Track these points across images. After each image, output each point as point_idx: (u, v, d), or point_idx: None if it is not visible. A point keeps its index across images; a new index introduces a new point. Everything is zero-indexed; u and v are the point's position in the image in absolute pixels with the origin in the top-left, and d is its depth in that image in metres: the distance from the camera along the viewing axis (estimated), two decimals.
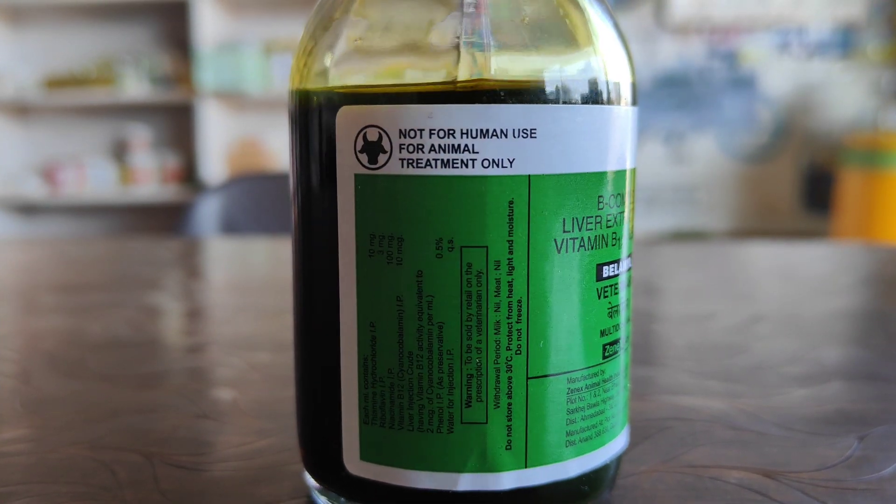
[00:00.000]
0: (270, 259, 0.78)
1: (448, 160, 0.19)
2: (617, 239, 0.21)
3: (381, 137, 0.19)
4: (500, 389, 0.20)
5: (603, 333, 0.21)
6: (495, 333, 0.20)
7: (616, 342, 0.22)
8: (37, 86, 2.49)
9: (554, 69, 0.20)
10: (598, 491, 0.23)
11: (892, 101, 2.47)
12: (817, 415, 0.31)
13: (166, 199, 2.47)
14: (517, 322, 0.20)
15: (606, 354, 0.22)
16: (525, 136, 0.19)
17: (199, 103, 2.37)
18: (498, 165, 0.19)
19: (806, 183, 2.57)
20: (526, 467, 0.21)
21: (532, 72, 0.20)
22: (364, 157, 0.20)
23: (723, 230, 2.60)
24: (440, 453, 0.20)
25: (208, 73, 2.34)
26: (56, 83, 2.47)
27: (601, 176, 0.21)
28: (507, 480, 0.20)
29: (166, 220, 2.50)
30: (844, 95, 2.53)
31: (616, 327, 0.22)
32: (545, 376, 0.20)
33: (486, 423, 0.20)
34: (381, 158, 0.19)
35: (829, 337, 0.43)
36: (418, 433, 0.20)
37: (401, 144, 0.19)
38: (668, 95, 2.56)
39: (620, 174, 0.21)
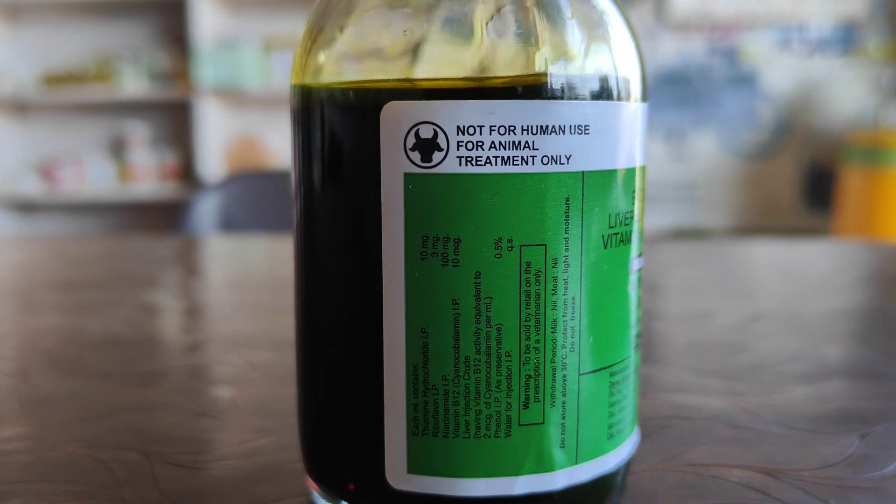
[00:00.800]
0: (269, 257, 0.77)
1: (508, 157, 0.19)
2: (640, 233, 0.22)
3: (436, 135, 0.19)
4: (556, 388, 0.20)
5: (632, 326, 0.22)
6: (552, 332, 0.20)
7: (639, 334, 0.23)
8: (35, 83, 2.49)
9: (605, 66, 0.20)
10: (625, 480, 0.23)
11: (893, 98, 2.47)
12: (818, 413, 0.31)
13: (165, 197, 2.47)
14: (571, 319, 0.20)
15: (634, 346, 0.22)
16: (580, 132, 0.19)
17: (198, 100, 2.37)
18: (556, 162, 0.19)
19: (807, 180, 2.57)
20: (576, 464, 0.21)
21: (585, 68, 0.20)
22: (416, 156, 0.19)
23: (723, 228, 2.60)
24: (497, 458, 0.20)
25: (207, 70, 2.34)
26: (54, 80, 2.47)
27: (635, 171, 0.21)
28: (560, 479, 0.20)
29: (165, 217, 2.50)
30: (845, 93, 2.53)
31: (639, 319, 0.23)
32: (594, 371, 0.20)
33: (543, 423, 0.20)
34: (437, 156, 0.19)
35: (830, 335, 0.43)
36: (474, 440, 0.20)
37: (458, 142, 0.19)
38: (668, 93, 2.56)
39: (643, 170, 0.22)
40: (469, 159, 0.19)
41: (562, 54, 0.20)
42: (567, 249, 0.19)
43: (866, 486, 0.25)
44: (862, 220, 2.19)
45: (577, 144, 0.19)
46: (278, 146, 2.50)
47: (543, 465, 0.20)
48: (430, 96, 0.19)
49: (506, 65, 0.19)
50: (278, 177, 1.34)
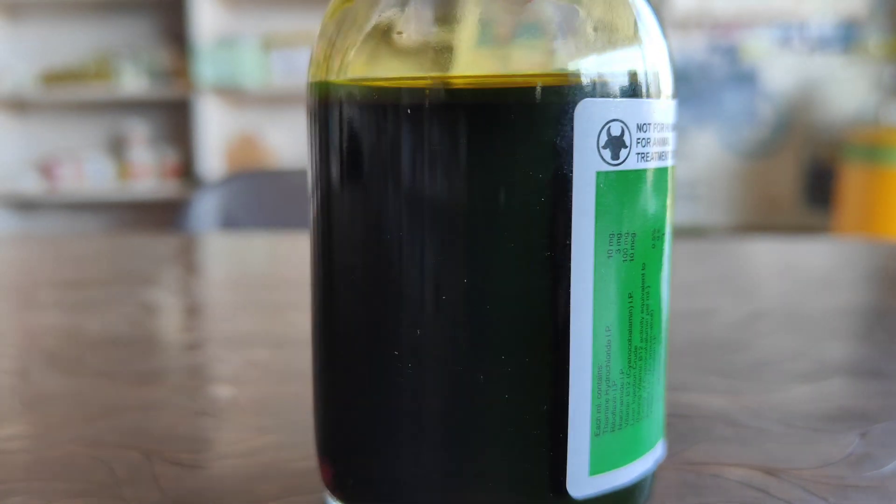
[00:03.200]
0: (269, 255, 0.77)
1: (660, 153, 0.20)
2: None
3: (623, 132, 0.19)
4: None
5: None
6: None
7: None
8: (34, 81, 2.49)
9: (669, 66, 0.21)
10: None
11: (893, 96, 2.47)
12: (819, 411, 0.31)
13: (165, 195, 2.47)
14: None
15: None
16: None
17: (198, 98, 2.37)
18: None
19: (807, 178, 2.57)
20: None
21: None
22: (607, 153, 0.19)
23: (724, 226, 2.60)
24: (648, 434, 0.21)
25: (206, 68, 2.33)
26: (53, 78, 2.47)
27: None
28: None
29: (165, 215, 2.50)
30: (846, 91, 2.53)
31: None
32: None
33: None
34: (623, 154, 0.19)
35: (830, 333, 0.43)
36: (636, 425, 0.21)
37: (637, 139, 0.19)
38: None
39: None
40: (642, 155, 0.20)
41: (669, 56, 0.21)
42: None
43: (867, 485, 0.24)
44: (862, 218, 2.19)
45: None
46: (278, 144, 2.50)
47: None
48: (623, 94, 0.19)
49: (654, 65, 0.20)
50: (278, 175, 1.34)
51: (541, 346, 0.19)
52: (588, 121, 0.19)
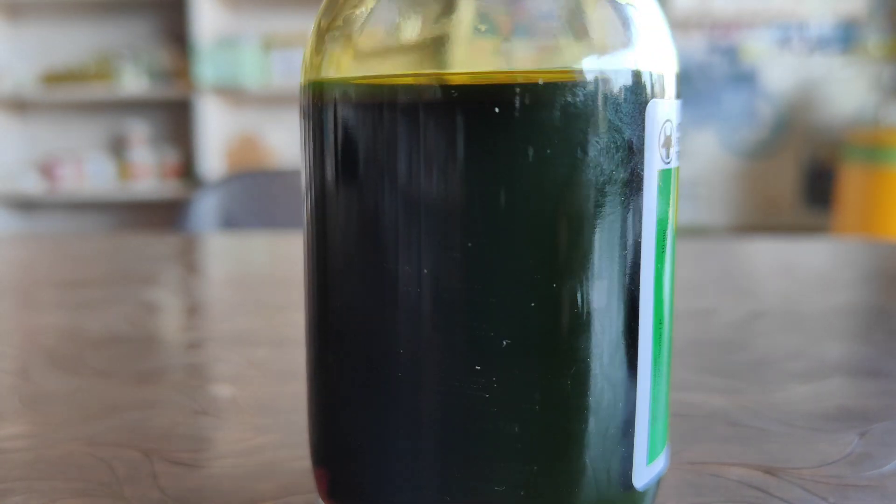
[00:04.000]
0: (269, 255, 0.77)
1: (679, 150, 0.21)
2: None
3: (671, 132, 0.20)
4: None
5: None
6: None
7: None
8: (34, 81, 2.49)
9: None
10: None
11: (893, 96, 2.47)
12: (818, 411, 0.31)
13: (165, 195, 2.47)
14: None
15: None
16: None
17: (198, 98, 2.37)
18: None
19: (807, 178, 2.57)
20: None
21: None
22: (664, 152, 0.19)
23: (723, 226, 2.60)
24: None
25: (207, 69, 2.33)
26: (54, 78, 2.47)
27: None
28: None
29: (165, 215, 2.50)
30: (845, 91, 2.53)
31: None
32: None
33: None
34: (671, 153, 0.20)
35: (830, 333, 0.43)
36: (665, 414, 0.21)
37: (676, 138, 0.20)
38: None
39: None
40: (677, 154, 0.20)
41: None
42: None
43: (866, 484, 0.25)
44: (861, 218, 2.19)
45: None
46: (278, 144, 2.50)
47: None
48: (670, 95, 0.20)
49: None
50: (278, 175, 1.34)
51: (615, 344, 0.19)
52: (653, 120, 0.19)
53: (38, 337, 0.43)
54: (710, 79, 2.56)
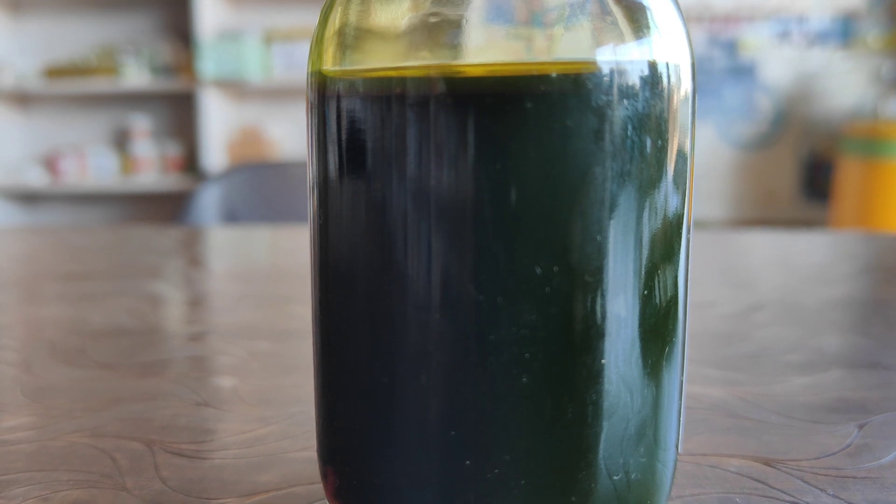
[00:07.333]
0: (271, 247, 0.78)
1: (693, 144, 0.21)
2: None
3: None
4: None
5: None
6: None
7: None
8: (38, 75, 2.49)
9: None
10: None
11: (891, 89, 2.46)
12: (817, 403, 0.31)
13: (167, 188, 2.47)
14: None
15: None
16: None
17: (200, 92, 2.37)
18: None
19: (805, 172, 2.57)
20: None
21: None
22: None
23: (722, 219, 2.60)
24: None
25: (209, 62, 2.33)
26: (57, 72, 2.47)
27: None
28: None
29: (167, 208, 2.50)
30: (844, 84, 2.52)
31: None
32: None
33: None
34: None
35: (828, 325, 0.43)
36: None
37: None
38: None
39: None
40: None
41: None
42: None
43: (865, 476, 0.25)
44: (860, 210, 2.19)
45: None
46: (279, 137, 2.50)
47: None
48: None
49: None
50: (280, 167, 1.34)
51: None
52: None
53: (41, 329, 0.43)
54: (710, 72, 2.56)
